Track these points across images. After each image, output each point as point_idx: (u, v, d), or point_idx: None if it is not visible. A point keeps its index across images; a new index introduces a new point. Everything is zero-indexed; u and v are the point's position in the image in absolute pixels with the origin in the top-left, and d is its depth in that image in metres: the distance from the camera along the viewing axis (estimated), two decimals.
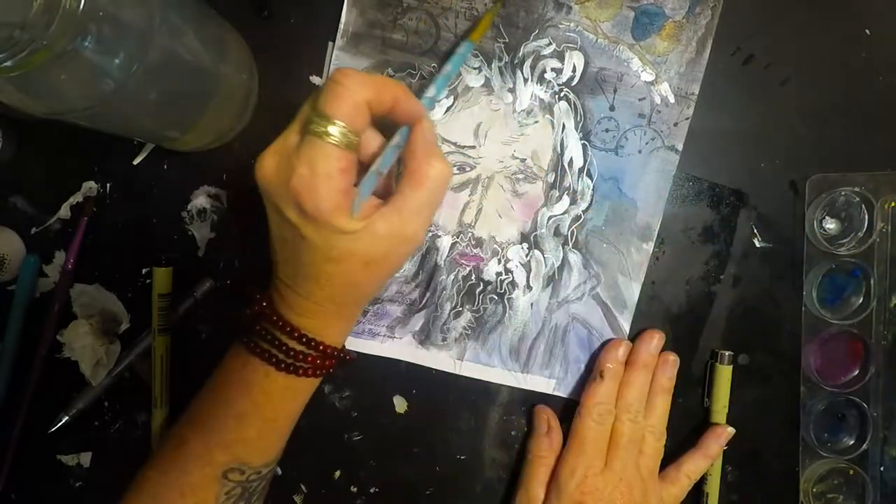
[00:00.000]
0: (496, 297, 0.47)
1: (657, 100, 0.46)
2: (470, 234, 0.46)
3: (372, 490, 0.47)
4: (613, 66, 0.45)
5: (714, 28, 0.45)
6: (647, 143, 0.46)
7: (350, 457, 0.47)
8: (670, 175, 0.46)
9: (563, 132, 0.46)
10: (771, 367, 0.47)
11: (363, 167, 0.35)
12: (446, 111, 0.45)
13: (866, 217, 0.45)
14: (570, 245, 0.46)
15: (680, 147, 0.46)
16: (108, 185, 0.46)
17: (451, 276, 0.46)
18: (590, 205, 0.46)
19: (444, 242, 0.46)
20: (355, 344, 0.46)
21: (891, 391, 0.46)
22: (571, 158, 0.46)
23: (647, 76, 0.46)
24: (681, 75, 0.46)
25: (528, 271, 0.47)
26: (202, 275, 0.46)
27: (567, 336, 0.47)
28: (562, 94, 0.46)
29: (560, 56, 0.45)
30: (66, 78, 0.30)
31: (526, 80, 0.45)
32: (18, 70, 0.28)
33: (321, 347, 0.37)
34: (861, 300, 0.46)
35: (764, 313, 0.47)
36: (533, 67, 0.45)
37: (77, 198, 0.46)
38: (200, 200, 0.46)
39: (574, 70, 0.45)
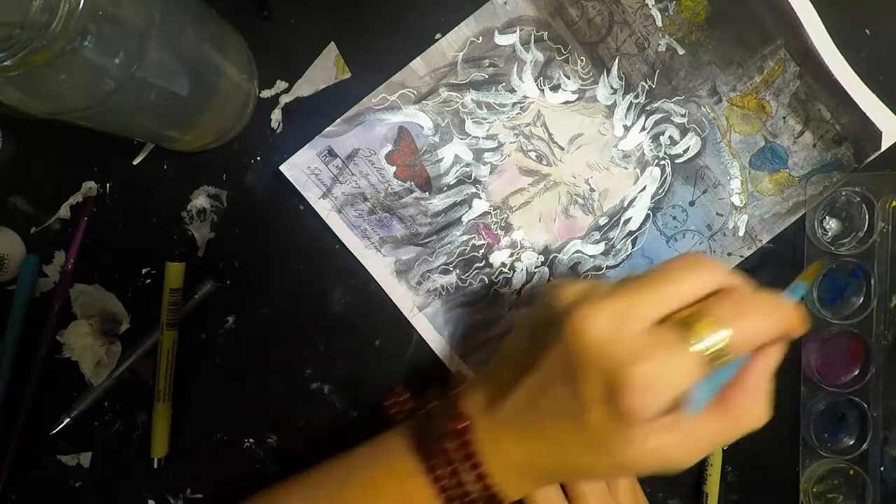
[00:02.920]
0: (486, 282, 0.46)
1: (730, 225, 0.46)
2: (505, 215, 0.46)
3: None
4: (718, 172, 0.46)
5: (816, 204, 0.45)
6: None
7: None
8: None
9: (639, 192, 0.46)
10: None
11: None
12: (564, 103, 0.45)
13: (867, 217, 0.45)
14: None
15: None
16: (108, 185, 0.46)
17: (464, 237, 0.46)
18: (617, 265, 0.46)
19: (480, 206, 0.46)
20: (345, 233, 0.46)
21: (891, 391, 0.46)
22: (630, 218, 0.46)
23: (737, 201, 0.46)
24: (763, 220, 0.46)
25: (527, 281, 0.46)
26: (202, 275, 0.46)
27: None
28: (661, 162, 0.46)
29: (683, 131, 0.46)
30: (66, 78, 0.30)
31: (642, 129, 0.46)
32: (18, 70, 0.28)
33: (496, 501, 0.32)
34: (861, 300, 0.46)
35: None
36: (657, 123, 0.45)
37: (77, 198, 0.46)
38: (200, 200, 0.46)
39: (686, 151, 0.46)
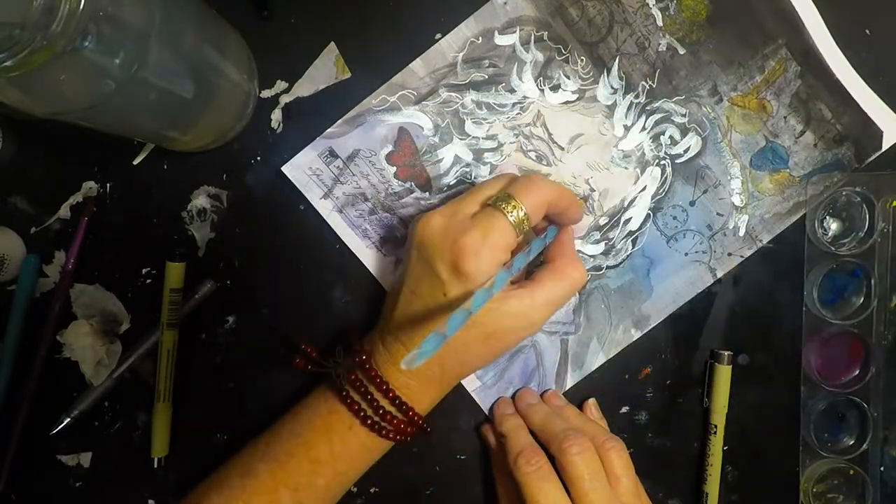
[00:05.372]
0: None
1: (731, 225, 0.46)
2: None
3: (372, 490, 0.47)
4: (718, 172, 0.46)
5: (817, 204, 0.45)
6: (696, 252, 0.46)
7: None
8: (695, 292, 0.46)
9: (639, 192, 0.46)
10: (771, 367, 0.47)
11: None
12: (564, 103, 0.45)
13: (867, 217, 0.45)
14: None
15: (720, 275, 0.46)
16: (108, 185, 0.46)
17: None
18: (616, 266, 0.46)
19: None
20: (346, 233, 0.46)
21: (891, 391, 0.46)
22: (630, 218, 0.46)
23: (738, 201, 0.46)
24: (763, 220, 0.46)
25: None
26: (202, 275, 0.46)
27: (518, 356, 0.47)
28: (661, 162, 0.46)
29: (684, 131, 0.46)
30: (66, 78, 0.30)
31: (643, 129, 0.46)
32: (18, 70, 0.28)
33: (410, 413, 0.38)
34: (862, 300, 0.46)
35: (764, 313, 0.47)
36: (657, 123, 0.45)
37: (77, 198, 0.46)
38: (200, 200, 0.46)
39: (686, 151, 0.46)
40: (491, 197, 0.37)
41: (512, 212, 0.36)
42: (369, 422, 0.38)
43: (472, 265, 0.35)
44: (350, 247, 0.46)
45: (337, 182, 0.45)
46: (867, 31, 0.45)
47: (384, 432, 0.38)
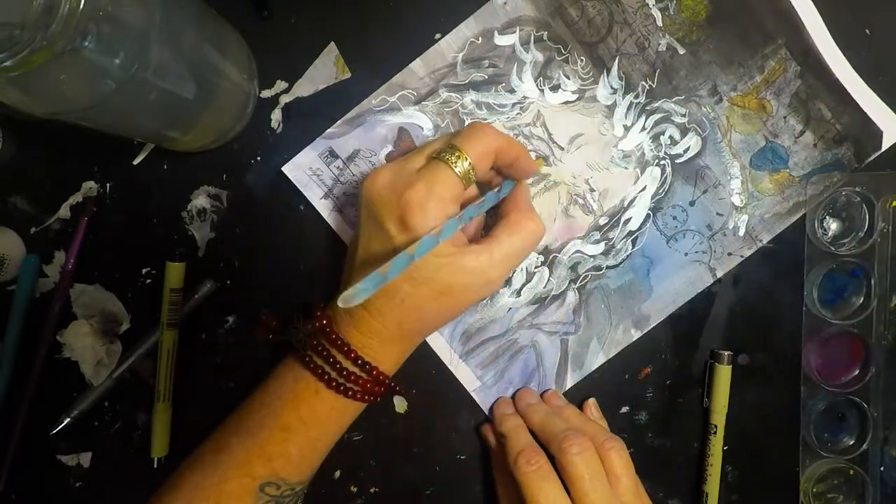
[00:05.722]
0: None
1: (730, 225, 0.46)
2: None
3: (372, 490, 0.47)
4: (718, 172, 0.46)
5: (816, 204, 0.45)
6: (696, 252, 0.46)
7: (350, 457, 0.47)
8: (695, 292, 0.46)
9: (639, 192, 0.46)
10: (771, 367, 0.47)
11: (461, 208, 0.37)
12: (564, 103, 0.45)
13: (867, 217, 0.45)
14: (576, 285, 0.46)
15: (720, 275, 0.46)
16: (108, 185, 0.46)
17: None
18: (616, 266, 0.46)
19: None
20: (346, 233, 0.46)
21: (891, 391, 0.46)
22: (630, 218, 0.46)
23: (737, 200, 0.46)
24: (763, 220, 0.46)
25: (527, 281, 0.46)
26: (202, 275, 0.46)
27: (518, 356, 0.47)
28: (661, 162, 0.46)
29: (684, 131, 0.46)
30: (66, 78, 0.30)
31: (643, 129, 0.46)
32: (18, 70, 0.28)
33: (374, 372, 0.38)
34: (861, 300, 0.46)
35: (764, 313, 0.47)
36: (657, 123, 0.45)
37: (77, 198, 0.46)
38: (200, 200, 0.46)
39: (686, 151, 0.46)
40: (436, 150, 0.37)
41: (457, 163, 0.35)
42: (334, 384, 0.37)
43: (417, 218, 0.34)
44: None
45: (337, 182, 0.45)
46: (867, 31, 0.45)
47: (350, 393, 0.38)
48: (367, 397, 0.38)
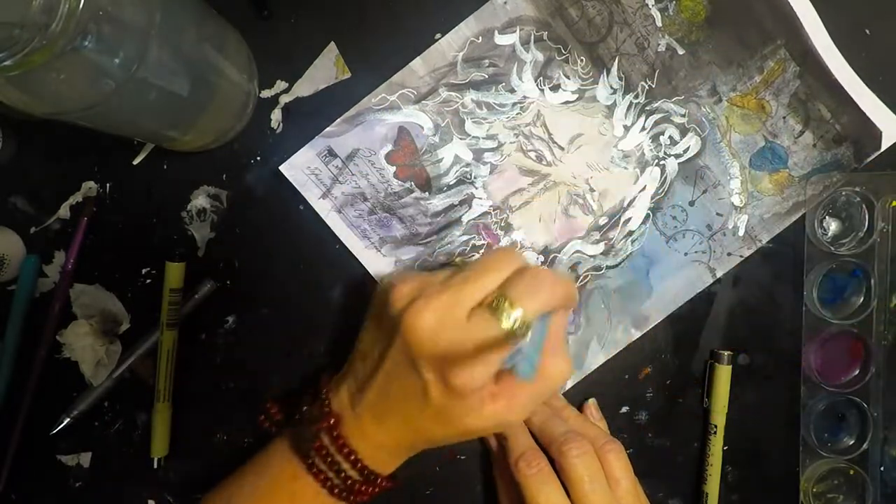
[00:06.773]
0: None
1: (730, 225, 0.46)
2: (505, 216, 0.46)
3: None
4: (717, 172, 0.46)
5: (816, 204, 0.45)
6: (695, 252, 0.46)
7: None
8: (694, 292, 0.46)
9: (639, 192, 0.46)
10: (771, 367, 0.47)
11: None
12: (564, 103, 0.45)
13: (867, 217, 0.45)
14: (576, 285, 0.46)
15: (719, 275, 0.46)
16: (108, 185, 0.46)
17: (464, 237, 0.46)
18: (616, 265, 0.46)
19: (480, 206, 0.46)
20: (345, 233, 0.46)
21: (891, 391, 0.46)
22: (630, 218, 0.46)
23: (737, 200, 0.46)
24: (763, 220, 0.46)
25: None
26: (202, 275, 0.46)
27: None
28: (661, 162, 0.46)
29: (683, 131, 0.46)
30: (66, 78, 0.30)
31: (642, 129, 0.46)
32: (18, 70, 0.28)
33: (379, 480, 0.38)
34: (861, 300, 0.46)
35: (764, 313, 0.47)
36: (656, 123, 0.45)
37: (77, 198, 0.46)
38: (200, 200, 0.46)
39: (686, 151, 0.46)
40: (490, 296, 0.34)
41: (510, 319, 0.33)
42: (336, 490, 0.37)
43: (461, 382, 0.33)
44: (349, 247, 0.46)
45: (336, 182, 0.45)
46: (866, 32, 0.45)
47: (352, 498, 0.37)
48: (366, 499, 0.38)
